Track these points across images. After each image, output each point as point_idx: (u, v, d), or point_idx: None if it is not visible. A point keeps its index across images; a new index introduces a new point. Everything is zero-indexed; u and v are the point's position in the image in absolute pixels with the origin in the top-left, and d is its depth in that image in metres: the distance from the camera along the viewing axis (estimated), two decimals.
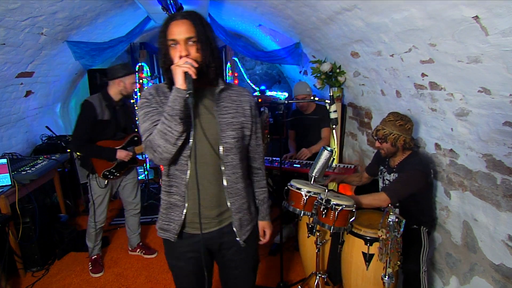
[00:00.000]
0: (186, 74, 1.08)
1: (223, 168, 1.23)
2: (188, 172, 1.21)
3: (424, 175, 1.89)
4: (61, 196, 3.25)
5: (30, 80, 3.12)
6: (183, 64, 1.08)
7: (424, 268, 1.83)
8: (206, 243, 1.30)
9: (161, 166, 1.29)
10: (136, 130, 2.63)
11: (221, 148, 1.21)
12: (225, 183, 1.24)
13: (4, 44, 2.43)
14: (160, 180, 1.29)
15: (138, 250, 2.84)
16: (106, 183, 2.46)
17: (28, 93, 3.22)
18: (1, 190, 2.36)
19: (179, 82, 1.08)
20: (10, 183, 2.42)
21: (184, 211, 1.24)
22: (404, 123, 1.92)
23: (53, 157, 2.99)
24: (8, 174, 2.41)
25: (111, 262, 2.74)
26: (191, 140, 1.16)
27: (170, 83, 1.17)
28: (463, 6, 1.27)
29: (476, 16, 1.24)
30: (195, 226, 1.26)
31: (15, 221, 2.42)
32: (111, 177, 2.46)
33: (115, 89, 2.40)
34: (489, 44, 1.28)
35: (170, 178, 1.26)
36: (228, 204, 1.27)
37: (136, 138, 2.57)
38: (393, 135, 1.90)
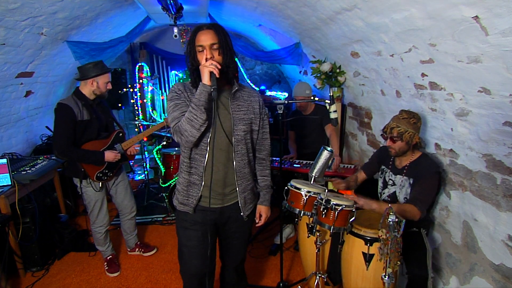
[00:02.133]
0: (211, 73, 1.33)
1: (234, 155, 1.51)
2: (207, 156, 1.47)
3: (440, 176, 1.90)
4: (61, 196, 3.24)
5: (30, 80, 3.12)
6: (209, 65, 1.33)
7: (431, 274, 1.80)
8: (215, 217, 1.58)
9: (180, 153, 1.58)
10: (117, 127, 2.54)
11: (233, 139, 1.49)
12: (234, 167, 1.53)
13: (4, 44, 2.43)
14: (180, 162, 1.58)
15: (137, 249, 2.83)
16: (100, 185, 2.39)
17: (28, 93, 3.22)
18: (1, 190, 2.36)
19: (206, 79, 1.34)
20: (10, 183, 2.42)
21: (201, 188, 1.51)
22: (416, 120, 1.89)
23: (53, 157, 2.99)
24: (8, 174, 2.41)
25: None
26: (211, 130, 1.43)
27: (195, 82, 1.46)
28: (463, 6, 1.27)
29: (476, 16, 1.24)
30: (206, 201, 1.53)
31: (15, 221, 2.42)
32: (105, 178, 2.39)
33: (88, 89, 2.30)
34: (489, 44, 1.28)
35: (191, 160, 1.52)
36: (237, 184, 1.55)
37: (121, 134, 2.49)
38: (408, 134, 1.86)
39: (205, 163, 1.48)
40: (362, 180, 2.28)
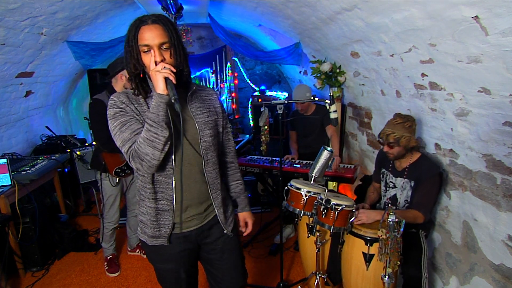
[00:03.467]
0: (167, 79, 1.07)
1: (204, 166, 1.28)
2: (174, 175, 1.21)
3: (442, 176, 1.91)
4: (61, 196, 3.25)
5: (30, 80, 3.12)
6: (162, 69, 1.07)
7: (426, 274, 1.80)
8: (197, 238, 1.35)
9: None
10: None
11: (201, 147, 1.26)
12: (207, 179, 1.30)
13: (4, 44, 2.43)
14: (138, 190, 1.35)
15: (138, 250, 2.84)
16: (117, 181, 2.45)
17: (28, 93, 3.22)
18: (1, 190, 2.36)
19: (161, 87, 1.07)
20: (10, 183, 2.42)
21: (173, 213, 1.26)
22: (411, 124, 1.89)
23: (53, 157, 3.00)
24: (8, 174, 2.41)
25: None
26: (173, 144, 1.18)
27: (139, 90, 1.19)
28: (463, 6, 1.27)
29: (476, 16, 1.24)
30: (184, 225, 1.30)
31: (15, 221, 2.42)
32: (123, 174, 2.42)
33: (119, 85, 2.34)
34: (489, 44, 1.28)
35: (154, 185, 1.25)
36: (212, 198, 1.33)
37: None
38: (405, 138, 1.85)
39: (173, 184, 1.22)
40: (379, 188, 2.25)
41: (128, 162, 1.19)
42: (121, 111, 1.18)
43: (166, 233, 1.27)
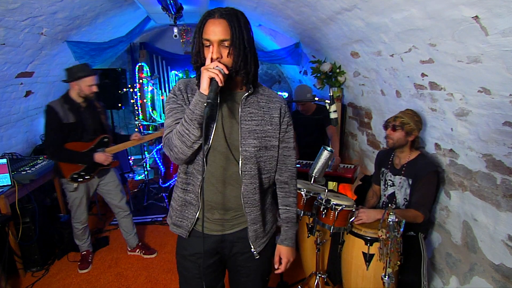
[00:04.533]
0: (212, 80, 1.03)
1: (241, 175, 1.19)
2: (204, 173, 1.17)
3: (438, 174, 1.92)
4: (61, 196, 3.24)
5: (30, 80, 3.12)
6: (212, 69, 1.03)
7: (425, 282, 1.79)
8: (218, 246, 1.28)
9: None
10: (106, 131, 2.56)
11: (240, 156, 1.18)
12: (242, 191, 1.21)
13: (4, 44, 2.43)
14: (176, 175, 1.31)
15: (138, 250, 2.84)
16: (75, 186, 2.41)
17: (28, 93, 3.22)
18: (1, 190, 2.35)
19: (203, 86, 1.04)
20: (10, 183, 2.42)
21: (198, 210, 1.23)
22: (419, 119, 1.95)
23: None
24: (8, 174, 2.41)
25: (111, 262, 2.74)
26: (210, 143, 1.16)
27: (199, 82, 1.12)
28: (463, 6, 1.27)
29: (476, 16, 1.24)
30: (206, 226, 1.24)
31: (15, 221, 2.42)
32: (81, 179, 2.41)
33: (73, 91, 2.36)
34: (489, 44, 1.28)
35: (187, 176, 1.24)
36: (245, 212, 1.23)
37: (106, 140, 2.51)
38: (409, 126, 1.91)
39: (201, 180, 1.19)
40: (378, 191, 2.25)
41: (162, 146, 1.20)
42: (173, 97, 1.20)
43: (187, 226, 1.25)
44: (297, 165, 2.85)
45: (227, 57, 1.08)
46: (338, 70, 3.11)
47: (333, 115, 2.12)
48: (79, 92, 2.35)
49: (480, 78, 1.44)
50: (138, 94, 4.91)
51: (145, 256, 2.81)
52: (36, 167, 2.71)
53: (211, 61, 1.06)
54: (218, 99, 1.11)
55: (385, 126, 2.02)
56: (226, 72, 1.05)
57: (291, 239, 1.34)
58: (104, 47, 3.53)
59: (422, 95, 1.99)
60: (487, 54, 1.32)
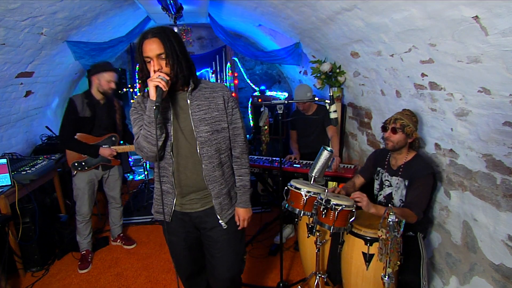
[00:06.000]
0: (157, 87, 1.28)
1: (200, 158, 1.45)
2: (173, 164, 1.45)
3: (435, 176, 1.91)
4: (61, 196, 3.24)
5: (30, 80, 3.12)
6: (155, 78, 1.28)
7: (424, 283, 1.79)
8: (194, 222, 1.55)
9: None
10: (116, 129, 2.70)
11: (197, 141, 1.43)
12: (203, 172, 1.46)
13: (4, 44, 2.43)
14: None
15: (119, 240, 3.00)
16: (74, 173, 2.55)
17: (28, 93, 3.22)
18: (1, 190, 2.36)
19: (151, 94, 1.29)
20: (10, 183, 2.42)
21: (175, 196, 1.50)
22: (416, 120, 1.96)
23: (53, 157, 2.99)
24: (8, 174, 2.41)
25: (111, 262, 2.74)
26: (171, 138, 1.42)
27: (148, 93, 1.38)
28: (463, 6, 1.27)
29: (476, 16, 1.24)
30: (184, 207, 1.52)
31: (15, 221, 2.42)
32: (79, 168, 2.54)
33: (94, 87, 2.51)
34: (489, 44, 1.28)
35: (161, 170, 1.49)
36: (208, 189, 1.49)
37: (113, 138, 2.66)
38: (409, 128, 1.91)
39: (173, 170, 1.46)
40: (361, 184, 2.26)
41: (136, 151, 1.47)
42: (134, 109, 1.47)
43: (168, 211, 1.51)
44: (297, 165, 2.88)
45: (166, 66, 1.33)
46: (338, 70, 3.11)
47: (333, 115, 2.12)
48: (98, 86, 2.48)
49: (480, 78, 1.44)
50: (138, 94, 4.91)
51: (125, 247, 2.96)
52: (36, 167, 2.71)
53: (154, 73, 1.30)
54: (170, 102, 1.41)
55: (384, 128, 2.00)
56: (167, 78, 1.31)
57: (245, 202, 1.60)
58: (104, 47, 3.53)
59: (422, 95, 1.99)
60: (487, 54, 1.32)
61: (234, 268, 1.61)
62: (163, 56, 1.31)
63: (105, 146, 2.58)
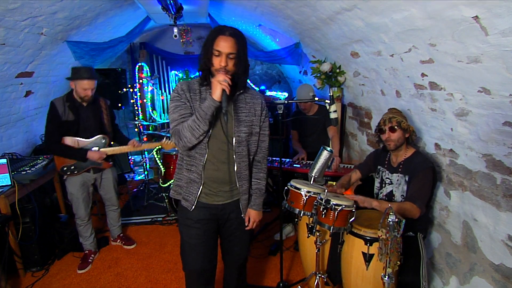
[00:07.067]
0: (223, 91, 1.34)
1: (235, 156, 1.53)
2: (206, 155, 1.50)
3: (434, 170, 1.93)
4: (61, 196, 3.24)
5: (30, 80, 3.12)
6: (223, 81, 1.34)
7: (424, 283, 1.78)
8: (217, 213, 1.60)
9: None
10: (105, 131, 2.61)
11: (234, 140, 1.51)
12: (235, 168, 1.55)
13: (4, 44, 2.43)
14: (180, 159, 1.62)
15: (119, 240, 2.99)
16: (64, 178, 2.53)
17: (28, 93, 3.22)
18: (1, 190, 2.35)
19: (217, 95, 1.35)
20: (10, 183, 2.42)
21: (200, 186, 1.54)
22: (405, 116, 2.00)
23: (51, 157, 2.99)
24: (8, 174, 2.41)
25: (111, 262, 2.74)
26: (211, 132, 1.48)
27: (204, 80, 1.48)
28: (463, 6, 1.27)
29: (476, 16, 1.24)
30: (210, 199, 1.57)
31: (15, 221, 2.41)
32: (69, 172, 2.50)
33: (74, 90, 2.45)
34: (489, 44, 1.28)
35: (191, 158, 1.54)
36: (238, 185, 1.58)
37: (104, 140, 2.57)
38: (404, 123, 1.94)
39: (204, 161, 1.50)
40: (357, 179, 2.29)
41: (171, 136, 1.52)
42: (177, 96, 1.49)
43: (192, 200, 1.55)
44: (297, 165, 2.88)
45: (233, 66, 1.41)
46: (338, 70, 3.11)
47: (333, 115, 2.12)
48: (75, 92, 2.44)
49: (480, 78, 1.44)
50: (138, 94, 4.91)
51: (125, 247, 2.95)
52: (36, 167, 2.71)
53: (219, 72, 1.37)
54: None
55: (381, 130, 2.01)
56: (230, 83, 1.37)
57: (258, 205, 1.68)
58: (104, 47, 3.53)
59: (422, 95, 1.99)
60: (487, 54, 1.32)
61: (247, 252, 1.80)
62: (233, 56, 1.39)
63: (95, 148, 2.52)
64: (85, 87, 2.39)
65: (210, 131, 1.47)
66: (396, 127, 1.94)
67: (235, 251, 1.74)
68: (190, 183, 1.56)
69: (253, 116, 1.57)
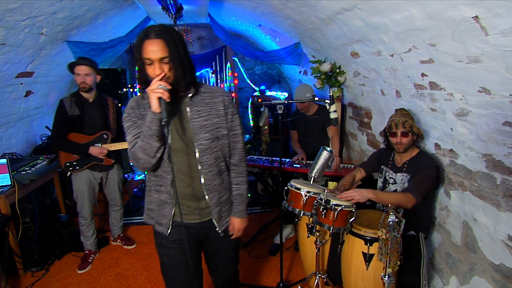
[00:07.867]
0: (160, 99, 1.18)
1: (200, 167, 1.36)
2: (172, 172, 1.32)
3: (438, 171, 1.93)
4: (61, 196, 3.24)
5: (30, 80, 3.12)
6: (157, 89, 1.17)
7: (424, 282, 1.79)
8: (195, 232, 1.46)
9: None
10: (109, 128, 2.63)
11: (196, 150, 1.34)
12: (202, 180, 1.38)
13: (4, 44, 2.43)
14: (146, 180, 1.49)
15: (119, 240, 3.01)
16: (68, 174, 2.56)
17: (28, 93, 3.22)
18: (1, 190, 2.36)
19: (154, 106, 1.19)
20: (10, 183, 2.42)
21: (173, 206, 1.39)
22: (412, 116, 1.99)
23: (53, 157, 2.99)
24: (8, 174, 2.41)
25: (111, 262, 2.74)
26: (169, 145, 1.28)
27: (145, 94, 1.29)
28: (463, 6, 1.27)
29: (476, 16, 1.24)
30: (185, 217, 1.42)
31: (15, 221, 2.42)
32: (71, 168, 2.52)
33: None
34: (489, 44, 1.28)
35: (158, 178, 1.39)
36: (206, 198, 1.41)
37: (105, 136, 2.59)
38: (415, 127, 1.93)
39: (171, 179, 1.34)
40: (361, 178, 2.27)
41: (130, 160, 1.37)
42: (128, 116, 1.36)
43: (167, 223, 1.41)
44: (297, 165, 2.88)
45: (169, 71, 1.22)
46: (338, 70, 3.11)
47: (333, 115, 2.12)
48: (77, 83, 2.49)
49: (480, 78, 1.44)
50: (138, 94, 4.90)
51: (125, 247, 2.96)
52: (36, 167, 2.71)
53: (154, 81, 1.19)
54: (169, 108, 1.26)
55: (393, 134, 1.98)
56: (169, 87, 1.20)
57: (240, 212, 1.52)
58: (104, 47, 3.53)
59: (422, 95, 1.99)
60: (487, 54, 1.32)
61: (233, 271, 1.65)
62: (167, 60, 1.20)
63: (96, 144, 2.54)
64: (78, 72, 2.42)
65: (170, 144, 1.27)
66: (409, 132, 1.93)
67: (220, 268, 1.60)
68: (162, 205, 1.40)
69: (215, 118, 1.37)
